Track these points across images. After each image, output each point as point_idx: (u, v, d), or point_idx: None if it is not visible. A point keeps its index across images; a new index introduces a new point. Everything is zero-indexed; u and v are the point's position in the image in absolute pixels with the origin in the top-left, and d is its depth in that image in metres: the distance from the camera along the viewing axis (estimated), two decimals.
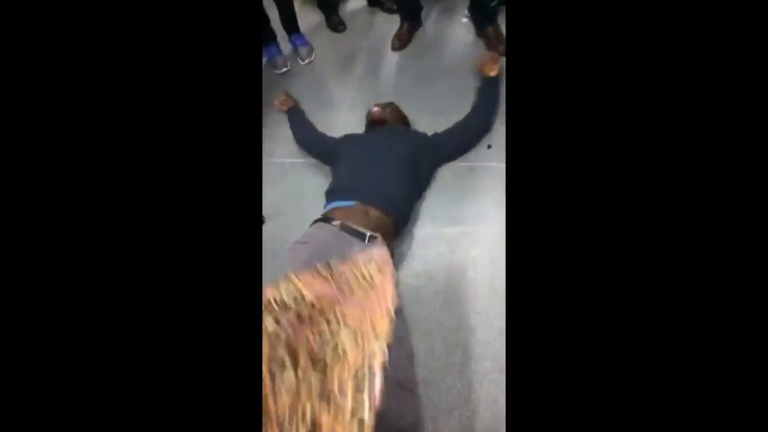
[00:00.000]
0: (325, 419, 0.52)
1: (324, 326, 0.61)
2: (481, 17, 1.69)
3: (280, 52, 1.88)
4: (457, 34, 1.83)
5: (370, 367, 0.55)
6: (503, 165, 1.31)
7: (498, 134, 1.41)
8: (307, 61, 1.88)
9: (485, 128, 1.41)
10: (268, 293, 0.65)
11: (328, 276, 0.70)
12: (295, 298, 0.65)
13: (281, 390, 0.54)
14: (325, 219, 1.10)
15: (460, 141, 1.39)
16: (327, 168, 1.44)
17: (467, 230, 1.25)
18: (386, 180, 1.17)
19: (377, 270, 0.71)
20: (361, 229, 1.05)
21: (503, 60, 1.48)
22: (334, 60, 1.89)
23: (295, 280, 0.67)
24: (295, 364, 0.56)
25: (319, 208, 1.21)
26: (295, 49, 1.89)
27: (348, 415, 0.52)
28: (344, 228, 1.05)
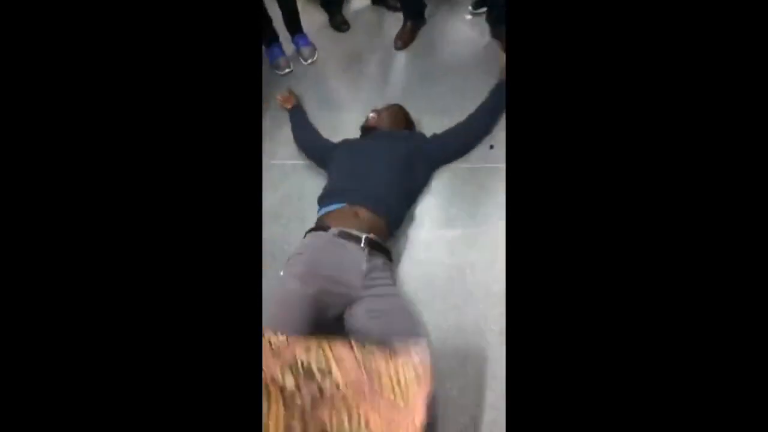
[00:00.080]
0: None
1: (344, 417, 0.58)
2: (495, 17, 1.66)
3: (282, 52, 1.86)
4: (461, 32, 1.80)
5: None
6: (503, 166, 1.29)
7: (501, 135, 1.38)
8: (310, 61, 1.86)
9: (486, 130, 1.39)
10: (297, 350, 0.61)
11: (361, 359, 0.64)
12: (321, 370, 0.61)
13: None
14: (318, 227, 1.09)
15: (460, 142, 1.37)
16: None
17: (468, 232, 1.23)
18: (377, 181, 1.16)
19: (415, 381, 0.65)
20: (354, 232, 1.03)
21: None
22: (337, 60, 1.87)
23: (327, 350, 0.63)
24: None
25: None
26: (298, 50, 1.88)
27: None
28: (340, 234, 1.03)
